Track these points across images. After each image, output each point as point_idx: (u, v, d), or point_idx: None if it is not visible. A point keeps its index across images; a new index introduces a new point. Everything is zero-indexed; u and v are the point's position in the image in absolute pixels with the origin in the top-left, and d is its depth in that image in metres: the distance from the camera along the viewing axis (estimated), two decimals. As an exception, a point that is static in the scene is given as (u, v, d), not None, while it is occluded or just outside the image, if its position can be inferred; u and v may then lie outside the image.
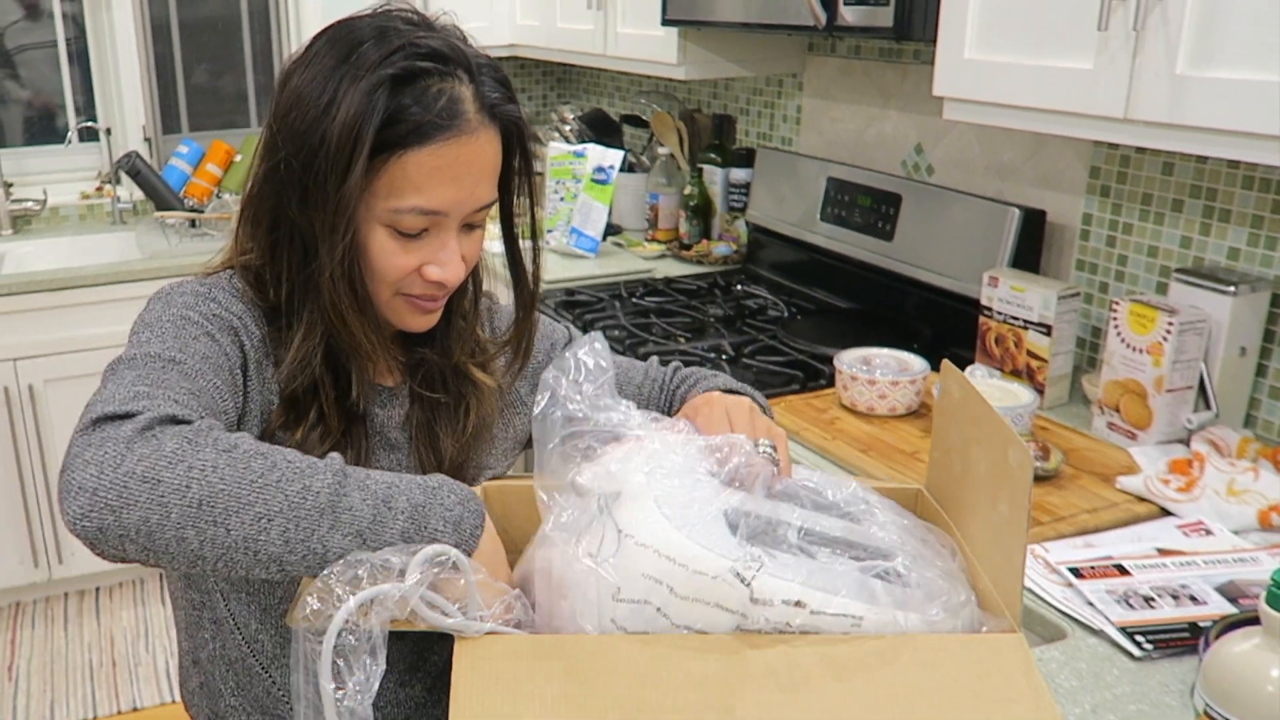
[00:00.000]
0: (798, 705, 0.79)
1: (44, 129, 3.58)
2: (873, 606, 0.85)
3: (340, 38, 1.01)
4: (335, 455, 0.88)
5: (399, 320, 1.09)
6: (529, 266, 1.18)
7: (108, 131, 3.48)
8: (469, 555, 0.85)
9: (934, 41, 1.77)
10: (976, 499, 0.95)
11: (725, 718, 0.77)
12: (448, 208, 1.02)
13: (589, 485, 0.87)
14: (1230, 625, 1.11)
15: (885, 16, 1.83)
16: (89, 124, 3.51)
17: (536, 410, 0.91)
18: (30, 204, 3.40)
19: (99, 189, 3.54)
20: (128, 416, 0.83)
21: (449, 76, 1.01)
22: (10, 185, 3.39)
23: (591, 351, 0.94)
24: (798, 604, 0.82)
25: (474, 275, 1.18)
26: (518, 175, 1.11)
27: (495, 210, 1.12)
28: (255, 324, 1.06)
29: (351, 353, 1.06)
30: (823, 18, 1.95)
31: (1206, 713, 0.93)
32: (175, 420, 0.84)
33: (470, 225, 1.07)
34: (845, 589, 0.84)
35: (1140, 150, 1.88)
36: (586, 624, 0.83)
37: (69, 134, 3.49)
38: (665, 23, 2.48)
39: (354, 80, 0.97)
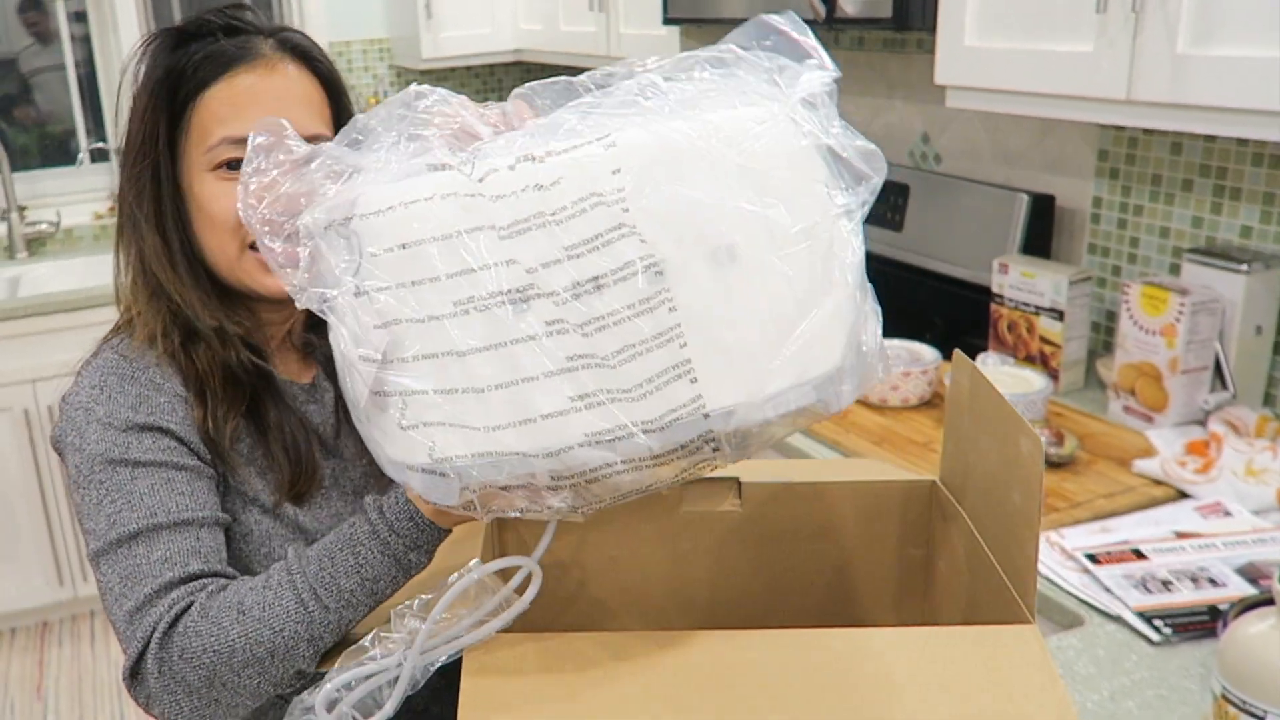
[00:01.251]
0: (804, 699, 0.78)
1: (56, 151, 3.61)
2: (627, 120, 0.73)
3: (140, 40, 1.06)
4: (282, 561, 0.89)
5: (255, 282, 1.03)
6: None
7: (118, 151, 3.51)
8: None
9: (934, 30, 1.76)
10: (989, 489, 0.94)
11: (725, 715, 0.77)
12: None
13: (316, 220, 0.77)
14: (1248, 607, 1.10)
15: (884, 7, 1.82)
16: (99, 144, 3.53)
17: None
18: (44, 226, 3.43)
19: (111, 209, 3.56)
20: (141, 655, 0.86)
21: (241, 31, 1.03)
22: (25, 209, 3.41)
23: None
24: (528, 158, 0.71)
25: None
26: (342, 121, 1.07)
27: None
28: (174, 378, 1.02)
29: (229, 346, 1.03)
30: (822, 11, 1.94)
31: (1224, 696, 0.92)
32: (174, 622, 0.87)
33: None
34: (584, 126, 0.73)
35: (1148, 131, 1.86)
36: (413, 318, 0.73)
37: (80, 155, 3.51)
38: (666, 22, 2.47)
39: (149, 52, 1.02)
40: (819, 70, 0.78)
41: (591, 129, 0.72)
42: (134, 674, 0.87)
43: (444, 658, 0.79)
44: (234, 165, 0.98)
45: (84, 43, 3.55)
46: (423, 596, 0.80)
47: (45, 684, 2.99)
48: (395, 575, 0.85)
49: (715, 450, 0.73)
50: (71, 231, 3.50)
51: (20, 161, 3.54)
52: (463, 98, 0.81)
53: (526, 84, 0.81)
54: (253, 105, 0.99)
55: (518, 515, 0.75)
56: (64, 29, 3.50)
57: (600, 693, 0.78)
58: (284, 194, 0.77)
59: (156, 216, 1.02)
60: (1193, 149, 1.80)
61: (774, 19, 0.79)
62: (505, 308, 0.70)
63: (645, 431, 0.70)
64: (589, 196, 0.69)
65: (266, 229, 0.78)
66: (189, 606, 0.87)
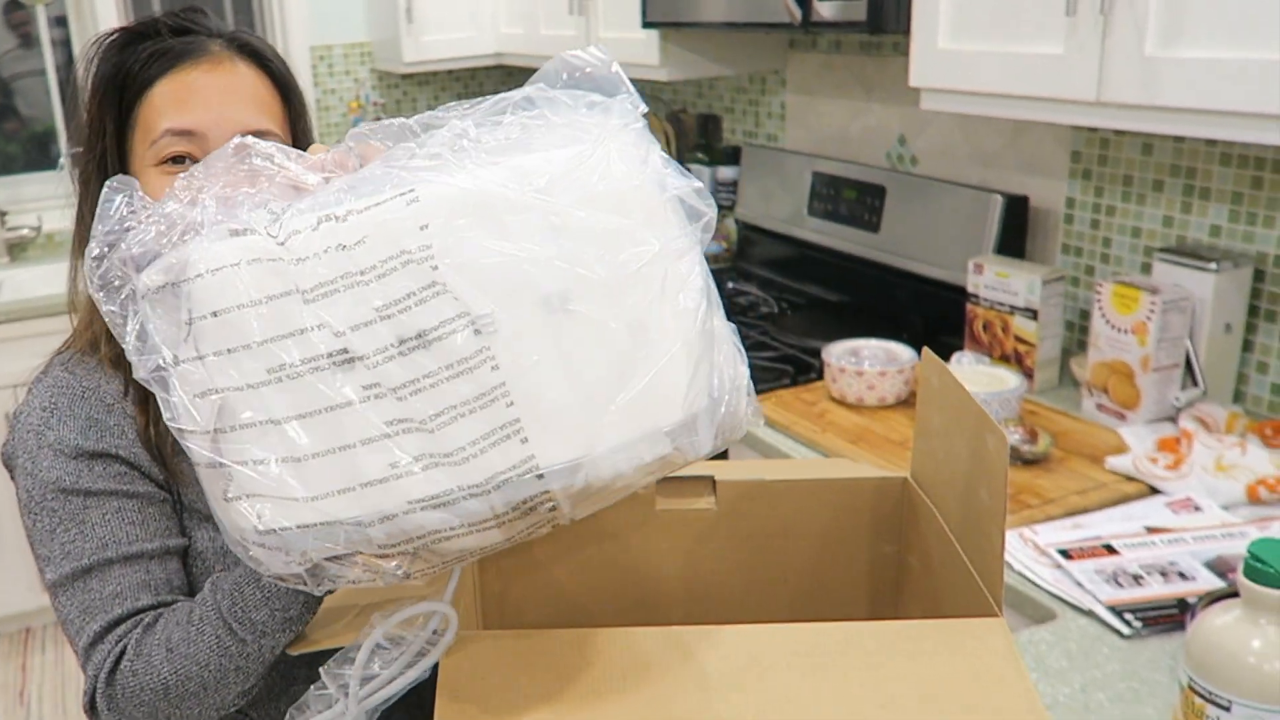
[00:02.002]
0: (776, 692, 0.80)
1: (38, 156, 3.60)
2: (436, 172, 0.70)
3: (88, 43, 1.05)
4: (202, 593, 0.90)
5: None
6: None
7: (72, 156, 3.50)
8: None
9: (909, 33, 1.78)
10: (958, 486, 0.96)
11: (698, 715, 0.78)
12: (198, 125, 0.98)
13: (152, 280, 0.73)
14: (1215, 600, 1.12)
15: (859, 10, 1.84)
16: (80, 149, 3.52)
17: None
18: (26, 231, 3.42)
19: (93, 214, 3.55)
20: (93, 692, 0.89)
21: (191, 32, 1.02)
22: (5, 214, 3.41)
23: None
24: (331, 218, 0.68)
25: None
26: (291, 121, 1.08)
27: None
28: (117, 382, 1.02)
29: None
30: (798, 14, 1.96)
31: (1190, 686, 0.94)
32: (117, 661, 0.89)
33: None
34: (391, 180, 0.70)
35: (1119, 133, 1.89)
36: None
37: (61, 160, 3.51)
38: (645, 25, 2.49)
39: (97, 53, 1.02)
40: (630, 106, 0.76)
41: (396, 184, 0.68)
42: (91, 708, 0.90)
43: (382, 701, 0.79)
44: (178, 160, 0.98)
45: (64, 47, 3.54)
46: (346, 650, 0.80)
47: (28, 689, 2.98)
48: (307, 601, 0.85)
49: (552, 509, 0.70)
50: (53, 236, 3.49)
51: (1, 166, 3.53)
52: (288, 148, 0.78)
53: (365, 125, 0.79)
54: (196, 98, 0.98)
55: (352, 585, 0.72)
56: (44, 33, 3.50)
57: (573, 688, 0.80)
58: (121, 255, 0.73)
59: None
60: (1163, 150, 1.82)
61: (579, 56, 0.76)
62: (319, 373, 0.67)
63: (472, 495, 0.67)
64: (398, 255, 0.66)
65: (102, 293, 0.73)
66: (129, 645, 0.90)
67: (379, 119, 3.32)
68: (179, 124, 0.98)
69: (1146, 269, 1.87)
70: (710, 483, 1.01)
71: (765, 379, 2.01)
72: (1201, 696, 0.92)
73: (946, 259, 2.12)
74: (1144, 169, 1.86)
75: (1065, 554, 1.31)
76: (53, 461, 0.97)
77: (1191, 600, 1.20)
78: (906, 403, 1.83)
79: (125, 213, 0.74)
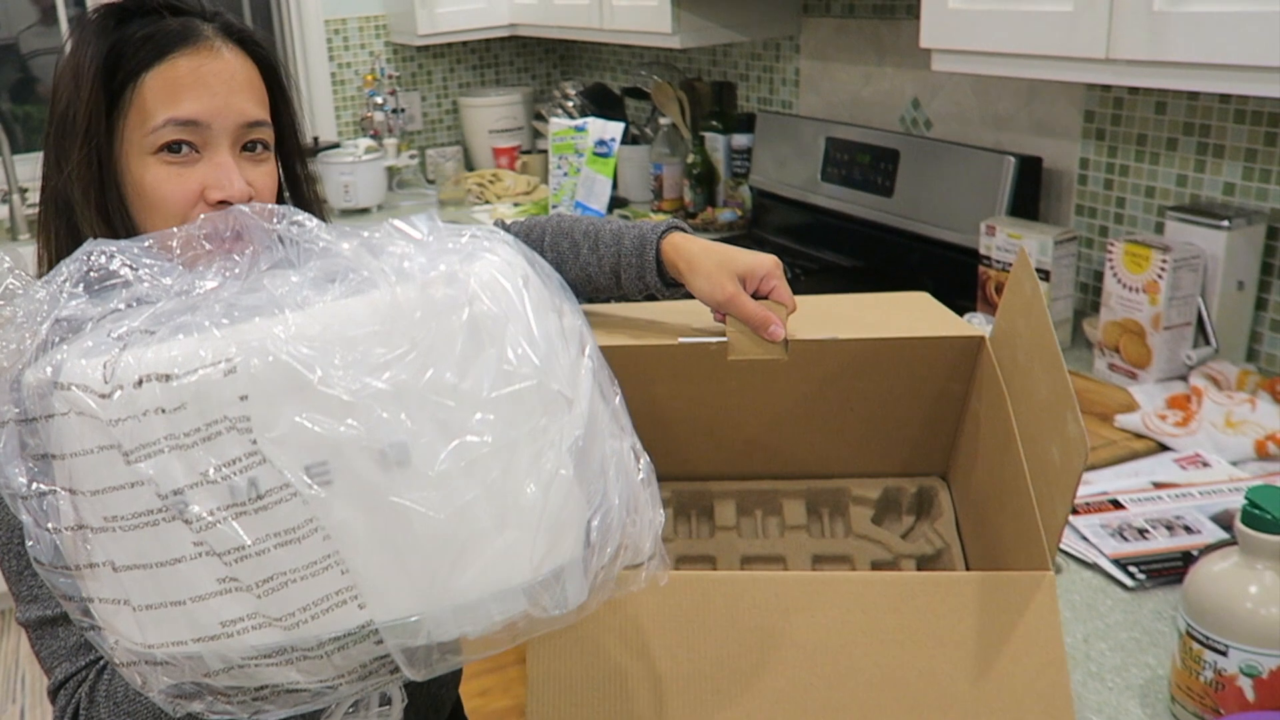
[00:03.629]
0: (819, 643, 0.82)
1: (57, 133, 3.64)
2: (267, 324, 0.66)
3: (76, 19, 1.04)
4: None
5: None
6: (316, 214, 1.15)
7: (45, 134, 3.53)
8: None
9: (918, -7, 1.77)
10: (1033, 414, 0.94)
11: (726, 669, 0.80)
12: (203, 115, 0.98)
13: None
14: (1215, 549, 1.12)
15: (868, -29, 1.83)
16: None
17: None
18: (48, 207, 3.46)
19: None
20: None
21: (179, 12, 1.01)
22: (26, 191, 3.44)
23: None
24: (153, 377, 0.65)
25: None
26: (282, 112, 1.08)
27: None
28: None
29: None
30: (808, -24, 1.95)
31: (1188, 632, 0.95)
32: (76, 713, 0.91)
33: (250, 151, 1.02)
34: (213, 336, 0.66)
35: (1133, 91, 1.88)
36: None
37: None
38: (657, -8, 2.49)
39: (84, 28, 0.99)
40: (496, 241, 0.72)
41: (217, 345, 0.65)
42: None
43: None
44: (174, 148, 0.97)
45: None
46: None
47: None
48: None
49: (393, 672, 0.69)
50: (74, 212, 3.52)
51: (21, 144, 3.57)
52: (144, 245, 0.76)
53: (253, 206, 0.77)
54: (197, 87, 0.98)
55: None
56: (61, 11, 3.52)
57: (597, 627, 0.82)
58: None
59: (99, 201, 0.99)
60: (1176, 108, 1.81)
61: (407, 224, 0.73)
62: (151, 528, 0.65)
63: (307, 658, 0.66)
64: (220, 420, 0.64)
65: None
66: (82, 697, 0.92)
67: (394, 92, 3.30)
68: (183, 113, 0.97)
69: (1160, 229, 1.86)
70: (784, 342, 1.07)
71: (777, 343, 2.01)
72: (1199, 642, 0.93)
73: (960, 222, 2.11)
74: (1157, 128, 1.85)
75: (1071, 509, 1.32)
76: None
77: (1196, 553, 1.20)
78: (918, 364, 1.83)
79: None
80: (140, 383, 0.64)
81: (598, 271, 1.19)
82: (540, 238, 1.23)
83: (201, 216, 0.78)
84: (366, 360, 0.64)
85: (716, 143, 2.95)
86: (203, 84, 0.98)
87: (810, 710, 0.83)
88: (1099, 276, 1.98)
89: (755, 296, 1.09)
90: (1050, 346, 0.91)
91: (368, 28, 3.76)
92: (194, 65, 0.98)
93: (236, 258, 0.73)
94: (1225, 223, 1.63)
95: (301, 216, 0.73)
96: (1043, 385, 0.92)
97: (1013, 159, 2.01)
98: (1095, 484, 1.39)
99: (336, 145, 3.56)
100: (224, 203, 0.98)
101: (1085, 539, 1.26)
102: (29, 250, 3.36)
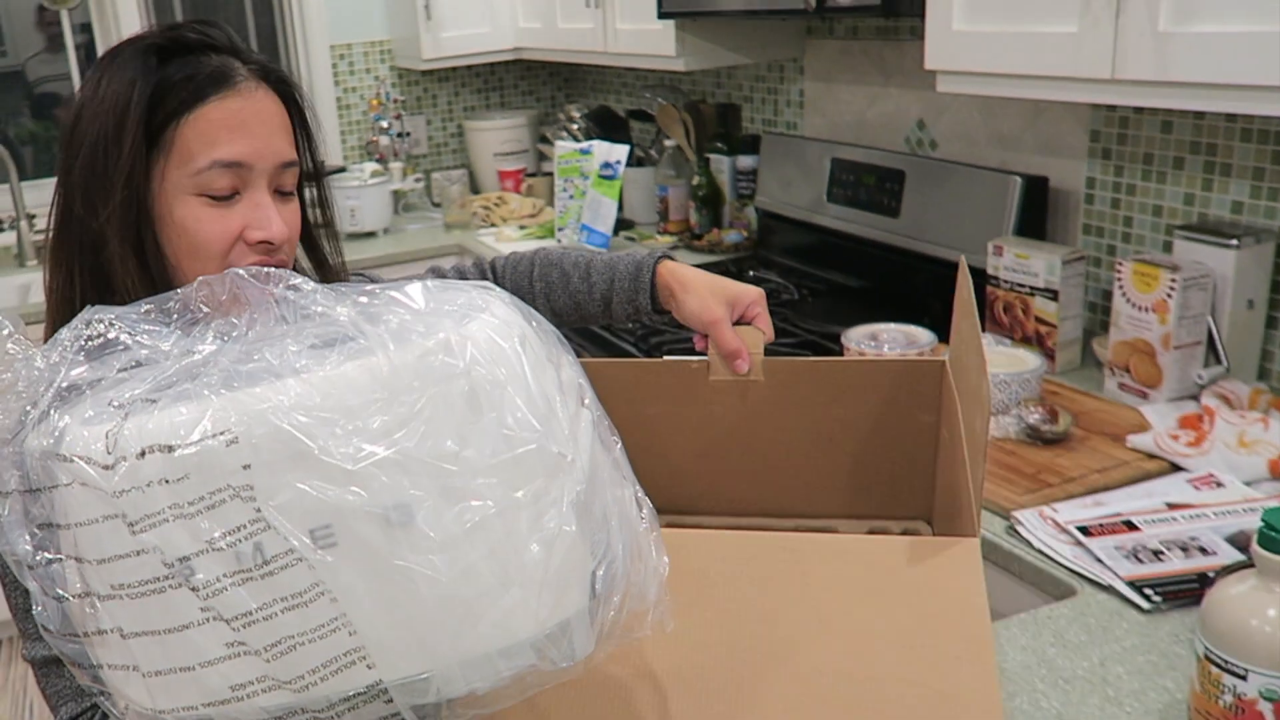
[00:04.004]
0: (755, 595, 0.84)
1: (64, 160, 3.66)
2: (265, 391, 0.66)
3: (106, 53, 1.02)
4: None
5: (230, 314, 1.04)
6: (325, 246, 1.15)
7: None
8: None
9: (923, 16, 1.77)
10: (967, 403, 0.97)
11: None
12: (247, 157, 0.98)
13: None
14: (1232, 571, 1.12)
15: (873, -7, 1.84)
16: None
17: None
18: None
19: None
20: None
21: (212, 50, 1.01)
22: (33, 216, 3.46)
23: None
24: (156, 448, 0.65)
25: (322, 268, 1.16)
26: (304, 147, 1.08)
27: None
28: None
29: None
30: (812, 0, 1.96)
31: (1206, 656, 0.94)
32: None
33: (282, 192, 1.03)
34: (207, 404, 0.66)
35: (1139, 110, 1.88)
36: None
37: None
38: (661, 15, 2.49)
39: (118, 64, 0.98)
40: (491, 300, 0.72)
41: (218, 414, 0.65)
42: None
43: None
44: (217, 190, 0.97)
45: (88, 51, 3.59)
46: None
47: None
48: None
49: None
50: (81, 239, 3.54)
51: (28, 171, 3.59)
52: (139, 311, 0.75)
53: (249, 270, 0.75)
54: (238, 129, 0.98)
55: None
56: (69, 38, 3.55)
57: None
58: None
59: (137, 240, 0.98)
60: (1183, 127, 1.81)
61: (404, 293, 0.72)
62: (158, 596, 0.66)
63: (318, 718, 0.67)
64: (224, 488, 0.64)
65: None
66: None
67: (399, 116, 3.33)
68: (227, 155, 0.97)
69: (1168, 248, 1.86)
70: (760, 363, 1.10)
71: (785, 365, 2.01)
72: (1218, 666, 0.92)
73: (967, 242, 2.11)
74: (1164, 147, 1.85)
75: (1085, 531, 1.31)
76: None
77: (1212, 575, 1.20)
78: (927, 385, 1.83)
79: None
80: (143, 454, 0.64)
81: (587, 299, 1.24)
82: (529, 269, 1.29)
83: (199, 280, 0.77)
84: (367, 429, 0.64)
85: (721, 164, 2.96)
86: (243, 126, 0.99)
87: (741, 651, 0.83)
88: (1107, 296, 1.98)
89: (740, 322, 1.14)
90: (971, 330, 0.92)
91: (373, 52, 3.78)
92: (235, 108, 0.98)
93: (235, 320, 0.73)
94: (1234, 241, 1.63)
95: (298, 280, 0.73)
96: (973, 371, 0.93)
97: (1019, 179, 2.01)
98: (1109, 505, 1.38)
99: (342, 169, 3.57)
100: (264, 243, 0.99)
101: (1100, 561, 1.25)
102: (35, 277, 3.37)
